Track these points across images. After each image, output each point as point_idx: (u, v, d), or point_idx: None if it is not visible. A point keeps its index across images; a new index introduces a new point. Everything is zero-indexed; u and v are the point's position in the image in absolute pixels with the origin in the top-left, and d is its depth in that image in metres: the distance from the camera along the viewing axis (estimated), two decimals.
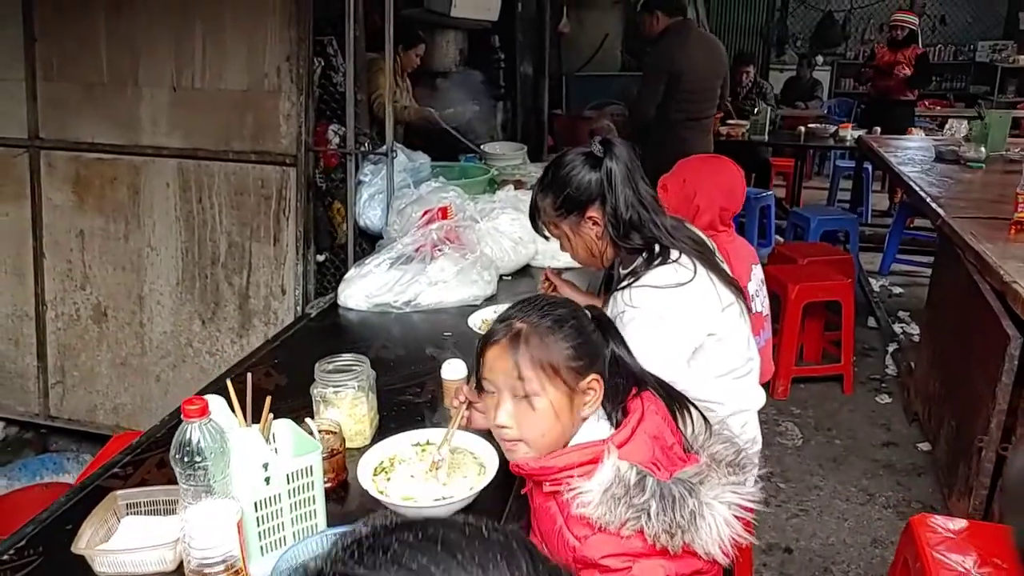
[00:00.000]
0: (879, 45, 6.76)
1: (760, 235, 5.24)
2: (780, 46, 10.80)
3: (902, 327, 4.23)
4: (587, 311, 1.15)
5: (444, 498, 1.23)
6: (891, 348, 3.93)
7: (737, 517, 1.00)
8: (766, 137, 5.98)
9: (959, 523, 1.82)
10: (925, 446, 3.08)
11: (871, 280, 4.97)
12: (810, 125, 6.14)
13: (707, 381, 1.56)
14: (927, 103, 8.66)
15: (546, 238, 1.69)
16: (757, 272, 2.35)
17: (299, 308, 2.62)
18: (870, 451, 3.11)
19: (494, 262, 2.37)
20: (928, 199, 3.23)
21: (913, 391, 3.36)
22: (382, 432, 1.45)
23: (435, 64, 4.31)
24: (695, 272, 1.48)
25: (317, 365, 1.43)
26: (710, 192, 2.19)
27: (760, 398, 1.75)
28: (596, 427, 1.09)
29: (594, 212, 1.54)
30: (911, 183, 3.55)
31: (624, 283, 1.50)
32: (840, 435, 3.22)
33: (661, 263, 1.48)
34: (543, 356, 1.06)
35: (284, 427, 1.21)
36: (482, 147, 3.79)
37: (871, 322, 4.30)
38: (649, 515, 0.94)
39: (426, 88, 4.17)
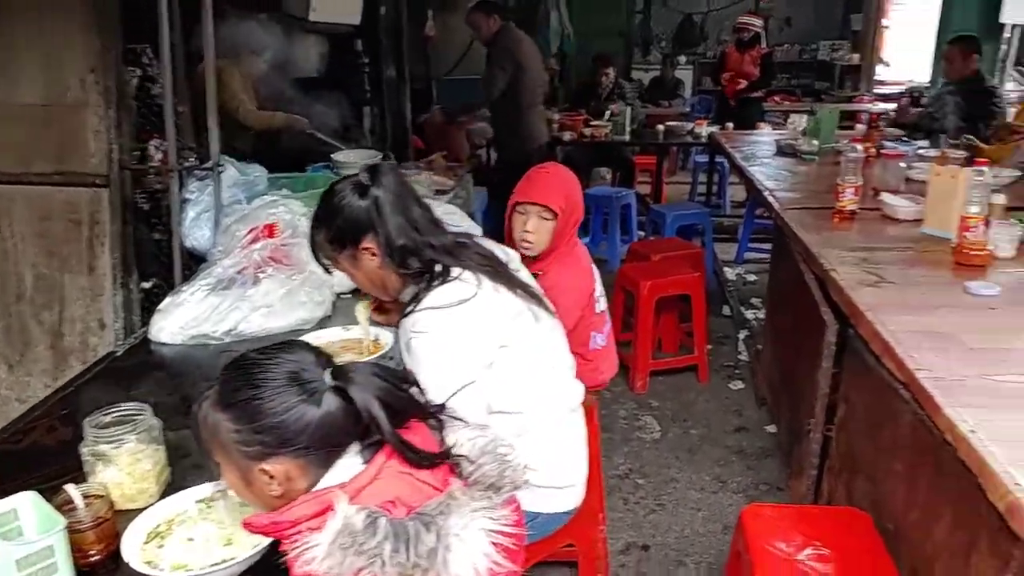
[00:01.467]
0: (728, 46, 7.04)
1: (623, 232, 5.34)
2: (646, 47, 11.12)
3: (753, 313, 4.40)
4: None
5: (224, 561, 1.13)
6: (742, 335, 4.08)
7: (499, 541, 0.95)
8: (628, 136, 6.11)
9: (785, 510, 1.88)
10: (772, 429, 3.20)
11: (727, 269, 5.16)
12: (668, 123, 6.32)
13: (506, 391, 1.54)
14: (777, 98, 9.10)
15: (330, 272, 1.63)
16: (596, 274, 2.38)
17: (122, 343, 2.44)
18: (723, 438, 3.20)
19: (327, 281, 2.26)
20: (764, 191, 3.36)
21: (760, 376, 3.49)
22: (175, 487, 1.34)
23: (296, 70, 4.15)
24: (479, 286, 1.46)
25: (87, 420, 1.30)
26: None
27: (571, 402, 1.72)
28: (349, 468, 1.02)
29: (369, 243, 1.49)
30: (750, 176, 3.69)
31: (408, 309, 1.46)
32: (696, 425, 3.30)
33: (441, 283, 1.45)
34: (211, 434, 1.01)
35: (26, 504, 1.08)
36: (332, 156, 3.68)
37: (726, 310, 4.46)
38: (383, 559, 0.88)
39: (288, 94, 4.02)
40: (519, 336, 1.55)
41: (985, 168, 2.43)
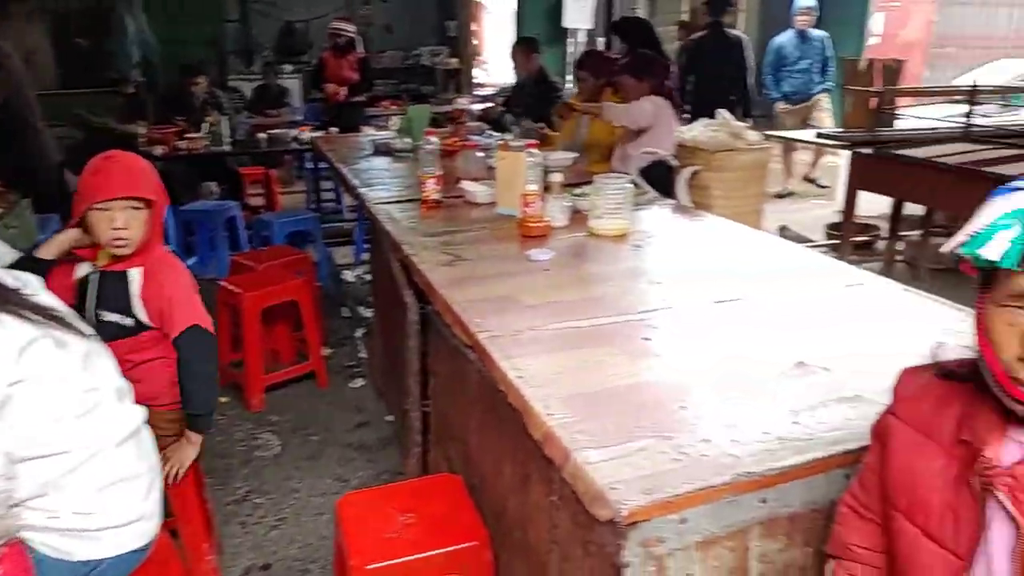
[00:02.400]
0: (325, 52, 7.07)
1: (233, 247, 5.08)
2: (248, 56, 10.75)
3: (372, 311, 4.47)
4: None
5: None
6: (359, 333, 4.12)
7: None
8: (228, 147, 5.83)
9: (379, 491, 1.90)
10: (391, 417, 3.27)
11: (347, 272, 5.18)
12: (272, 131, 6.17)
13: (34, 433, 1.33)
14: (386, 103, 9.40)
15: None
16: None
17: None
18: (345, 437, 3.19)
19: None
20: (356, 188, 3.40)
21: (376, 368, 3.55)
22: None
23: None
24: None
25: None
26: None
27: (122, 430, 1.55)
28: None
29: None
30: (343, 176, 3.72)
31: None
32: (317, 431, 3.24)
33: None
34: None
35: None
36: None
37: (345, 312, 4.48)
38: None
39: None
40: (36, 368, 1.34)
41: (536, 151, 2.72)
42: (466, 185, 3.16)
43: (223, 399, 3.46)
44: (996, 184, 0.99)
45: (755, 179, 3.17)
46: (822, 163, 7.63)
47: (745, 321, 1.82)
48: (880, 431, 1.16)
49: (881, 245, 5.26)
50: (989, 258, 0.90)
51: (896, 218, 4.91)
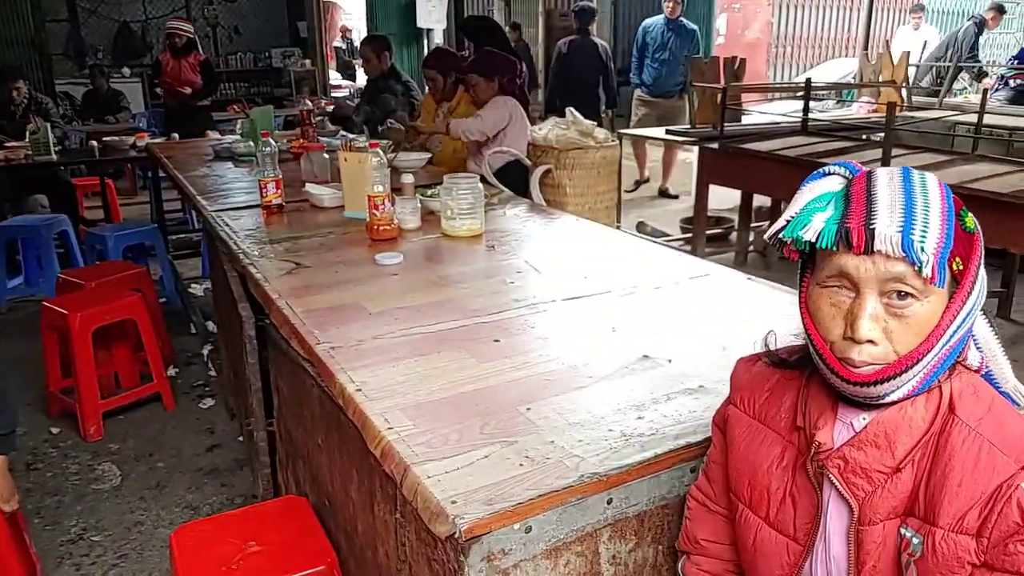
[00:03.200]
0: (163, 54, 6.66)
1: (65, 265, 4.68)
2: (80, 58, 10.03)
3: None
4: None
5: None
6: (206, 350, 3.88)
7: None
8: (54, 156, 5.36)
9: (219, 520, 1.76)
10: (243, 438, 3.08)
11: (196, 285, 4.88)
12: (106, 139, 5.74)
13: None
14: (236, 107, 8.99)
15: None
16: None
17: None
18: (194, 461, 2.98)
19: None
20: (193, 196, 3.19)
21: (226, 386, 3.35)
22: None
23: None
24: None
25: None
26: None
27: None
28: None
29: None
30: (180, 183, 3.48)
31: None
32: (164, 457, 3.01)
33: None
34: None
35: None
36: None
37: (194, 328, 4.21)
38: None
39: None
40: None
41: (379, 150, 2.61)
42: (311, 188, 3.03)
43: (53, 430, 3.16)
44: None
45: (606, 176, 3.21)
46: (679, 160, 7.46)
47: (593, 318, 1.81)
48: (720, 422, 1.15)
49: (735, 236, 5.49)
50: (808, 239, 0.90)
51: (746, 210, 5.14)
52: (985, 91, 5.23)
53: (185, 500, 2.72)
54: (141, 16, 10.60)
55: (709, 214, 5.53)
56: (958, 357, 0.92)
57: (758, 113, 5.50)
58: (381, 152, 2.60)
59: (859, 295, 0.88)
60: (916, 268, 0.84)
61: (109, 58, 10.26)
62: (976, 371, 0.96)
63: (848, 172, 0.96)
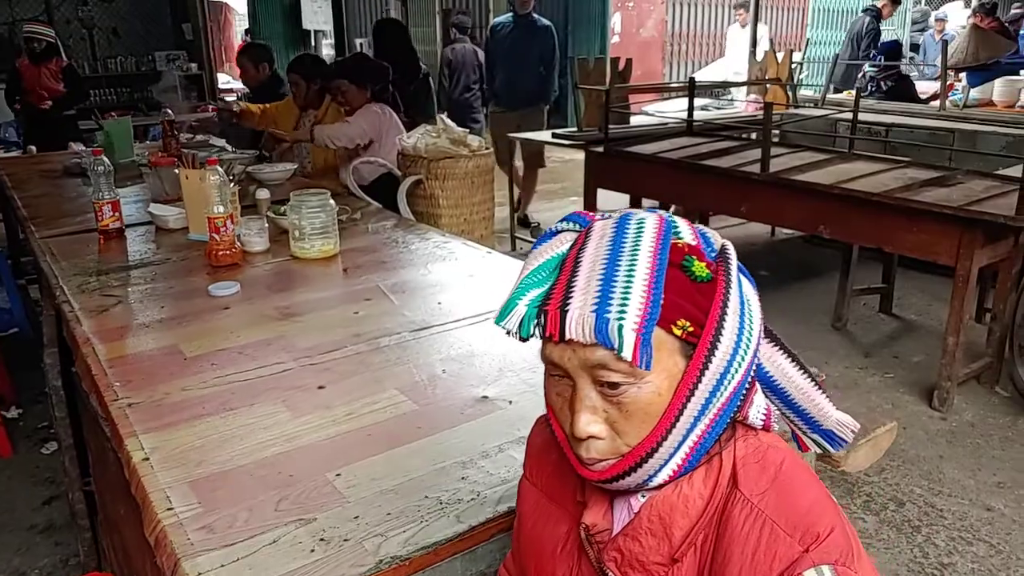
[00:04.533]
0: (22, 60, 6.15)
1: None
2: None
3: None
4: None
5: None
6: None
7: None
8: None
9: None
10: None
11: None
12: None
13: None
14: (114, 114, 8.46)
15: None
16: None
17: None
18: (29, 517, 2.68)
19: None
20: (25, 219, 2.88)
21: None
22: None
23: None
24: None
25: None
26: None
27: None
28: None
29: None
30: (14, 202, 3.16)
31: None
32: None
33: None
34: None
35: None
36: None
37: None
38: None
39: None
40: None
41: (219, 167, 2.38)
42: (154, 208, 2.76)
43: None
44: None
45: (481, 186, 3.06)
46: (550, 160, 6.53)
47: (438, 353, 1.65)
48: (518, 489, 1.00)
49: None
50: (509, 329, 0.75)
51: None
52: (859, 90, 5.32)
53: (11, 565, 2.43)
54: (7, 18, 9.88)
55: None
56: (737, 418, 0.79)
57: (648, 114, 5.47)
58: (220, 170, 2.37)
59: (575, 386, 0.75)
60: (615, 353, 0.69)
61: None
62: (764, 428, 0.81)
63: (578, 227, 0.81)
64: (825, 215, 3.53)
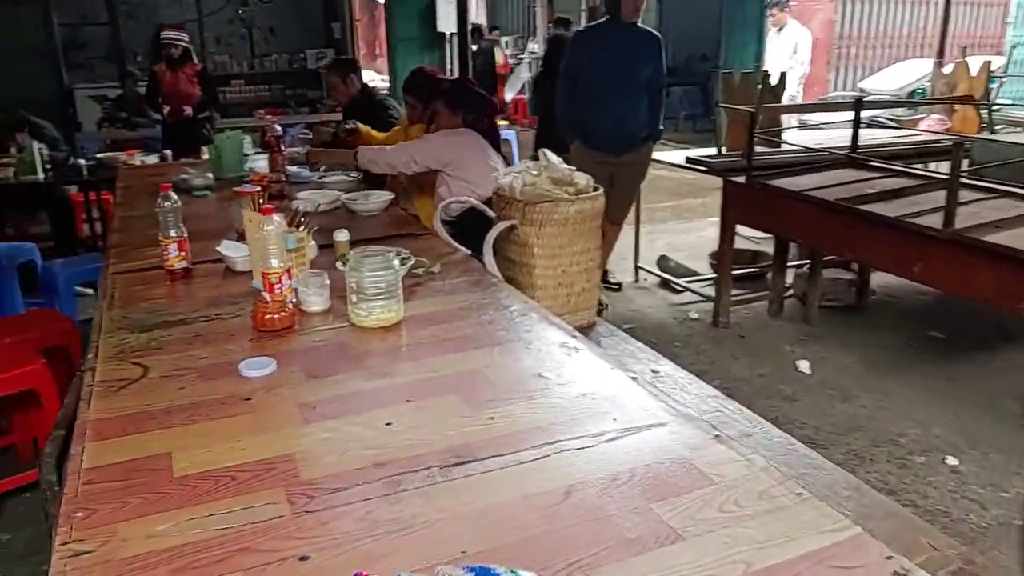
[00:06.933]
0: (158, 65, 6.24)
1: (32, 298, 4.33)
2: (121, 63, 9.88)
3: None
4: None
5: None
6: None
7: None
8: (41, 175, 5.09)
9: None
10: None
11: None
12: (98, 155, 5.47)
13: None
14: (261, 112, 8.66)
15: None
16: None
17: None
18: None
19: None
20: (108, 247, 2.77)
21: None
22: None
23: None
24: None
25: None
26: None
27: None
28: None
29: None
30: (109, 228, 3.06)
31: None
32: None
33: None
34: None
35: None
36: None
37: None
38: None
39: None
40: None
41: (276, 216, 2.11)
42: (226, 247, 2.54)
43: None
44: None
45: (584, 233, 2.63)
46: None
47: (472, 518, 1.27)
48: None
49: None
50: None
51: (781, 248, 4.47)
52: None
53: None
54: (178, 18, 10.38)
55: (744, 247, 4.91)
56: None
57: (811, 128, 4.81)
58: (278, 219, 2.09)
59: None
60: None
61: (148, 61, 10.08)
62: None
63: None
64: None
